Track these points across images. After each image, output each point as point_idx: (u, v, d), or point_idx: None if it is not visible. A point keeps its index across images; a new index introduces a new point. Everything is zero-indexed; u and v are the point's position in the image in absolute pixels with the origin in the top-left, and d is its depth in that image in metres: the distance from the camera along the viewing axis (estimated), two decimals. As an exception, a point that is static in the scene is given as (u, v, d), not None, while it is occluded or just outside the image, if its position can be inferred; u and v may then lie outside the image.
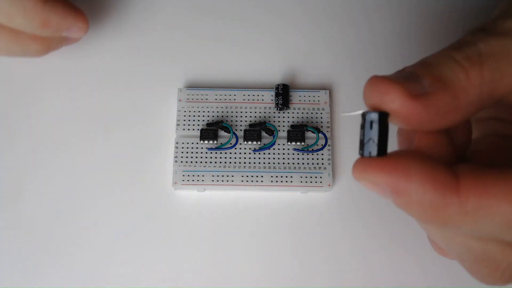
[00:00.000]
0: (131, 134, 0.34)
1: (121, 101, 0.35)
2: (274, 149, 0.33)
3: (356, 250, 0.32)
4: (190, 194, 0.33)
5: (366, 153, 0.18)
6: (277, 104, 0.34)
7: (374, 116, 0.18)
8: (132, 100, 0.35)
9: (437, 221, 0.17)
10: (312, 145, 0.33)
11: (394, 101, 0.18)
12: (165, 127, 0.35)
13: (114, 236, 0.32)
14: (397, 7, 0.38)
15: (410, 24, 0.37)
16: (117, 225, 0.32)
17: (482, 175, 0.17)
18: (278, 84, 0.34)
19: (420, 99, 0.17)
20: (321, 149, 0.33)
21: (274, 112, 0.34)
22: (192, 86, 0.36)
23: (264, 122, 0.34)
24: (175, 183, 0.32)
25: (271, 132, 0.33)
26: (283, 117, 0.34)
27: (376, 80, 0.18)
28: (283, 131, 0.34)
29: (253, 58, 0.37)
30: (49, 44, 0.31)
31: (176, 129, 0.34)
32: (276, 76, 0.36)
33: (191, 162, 0.33)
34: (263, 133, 0.33)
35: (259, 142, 0.33)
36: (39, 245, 0.32)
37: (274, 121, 0.34)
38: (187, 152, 0.33)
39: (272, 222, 0.33)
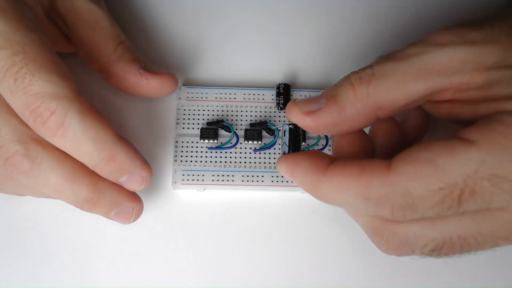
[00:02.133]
0: (130, 132, 0.34)
1: (120, 99, 0.34)
2: (275, 149, 0.33)
3: (356, 250, 0.32)
4: (190, 194, 0.33)
5: (281, 152, 0.27)
6: (278, 104, 0.34)
7: (286, 127, 0.27)
8: (131, 97, 0.35)
9: (317, 193, 0.24)
10: (313, 145, 0.33)
11: (293, 117, 0.25)
12: (164, 125, 0.34)
13: (112, 236, 0.32)
14: (398, 7, 0.38)
15: (411, 24, 0.37)
16: (116, 224, 0.32)
17: (345, 162, 0.23)
18: (279, 84, 0.34)
19: (310, 115, 0.25)
20: (322, 149, 0.33)
21: (275, 112, 0.34)
22: (191, 84, 0.35)
23: (265, 122, 0.33)
24: (175, 182, 0.32)
25: (272, 132, 0.33)
26: (284, 116, 0.34)
27: (288, 104, 0.26)
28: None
29: (254, 57, 0.36)
30: (102, 201, 0.28)
31: (176, 127, 0.33)
32: (277, 75, 0.36)
33: (191, 161, 0.33)
34: (264, 133, 0.33)
35: (260, 142, 0.33)
36: (39, 245, 0.31)
37: (275, 121, 0.34)
38: (187, 151, 0.33)
39: (272, 222, 0.32)
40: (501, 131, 0.22)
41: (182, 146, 0.33)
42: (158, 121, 0.34)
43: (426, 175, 0.22)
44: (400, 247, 0.25)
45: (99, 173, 0.28)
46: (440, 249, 0.24)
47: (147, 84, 0.31)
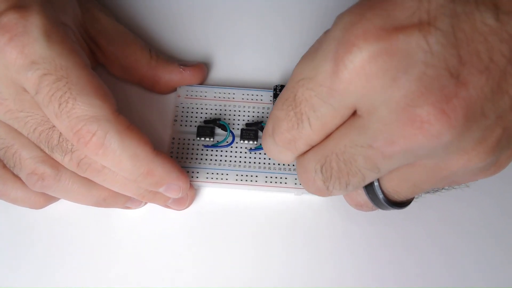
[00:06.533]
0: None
1: (119, 94, 0.35)
2: (270, 149, 0.33)
3: (352, 249, 0.32)
4: (184, 190, 0.33)
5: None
6: (275, 105, 0.34)
7: None
8: (131, 93, 0.35)
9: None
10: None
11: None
12: (162, 122, 0.35)
13: (111, 235, 0.32)
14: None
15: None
16: (115, 225, 0.32)
17: None
18: (277, 85, 0.34)
19: None
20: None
21: (272, 113, 0.34)
22: (191, 83, 0.36)
23: (261, 122, 0.34)
24: (169, 178, 0.32)
25: (268, 132, 0.33)
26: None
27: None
28: (280, 132, 0.34)
29: (253, 58, 0.37)
30: (117, 198, 0.32)
31: (174, 124, 0.34)
32: (276, 77, 0.36)
33: (186, 158, 0.33)
34: (260, 133, 0.33)
35: (255, 142, 0.33)
36: (39, 245, 0.32)
37: (271, 122, 0.34)
38: (183, 148, 0.33)
39: (264, 222, 0.33)
40: None
41: (179, 143, 0.33)
42: (156, 117, 0.35)
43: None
44: (307, 178, 0.26)
45: (139, 186, 0.30)
46: (326, 171, 0.25)
47: (190, 78, 0.34)
